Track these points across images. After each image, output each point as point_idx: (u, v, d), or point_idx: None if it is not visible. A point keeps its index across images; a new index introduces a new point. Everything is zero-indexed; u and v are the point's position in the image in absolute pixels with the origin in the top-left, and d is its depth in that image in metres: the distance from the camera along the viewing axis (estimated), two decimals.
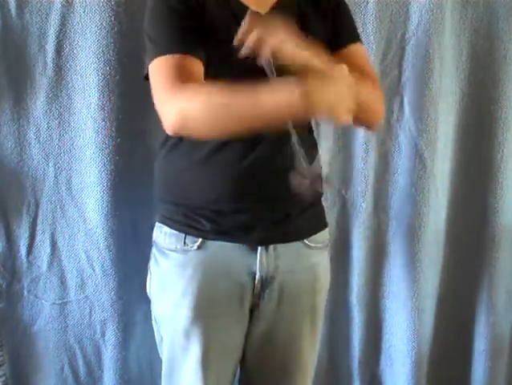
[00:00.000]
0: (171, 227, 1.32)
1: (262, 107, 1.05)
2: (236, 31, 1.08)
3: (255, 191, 1.27)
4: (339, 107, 1.02)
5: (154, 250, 1.38)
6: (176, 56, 1.15)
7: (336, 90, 1.01)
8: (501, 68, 1.71)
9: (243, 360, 1.41)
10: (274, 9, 1.29)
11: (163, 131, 1.18)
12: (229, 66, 1.15)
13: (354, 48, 1.37)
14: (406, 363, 1.84)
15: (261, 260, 1.30)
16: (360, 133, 1.71)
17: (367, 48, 1.63)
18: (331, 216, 1.72)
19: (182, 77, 1.12)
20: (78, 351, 1.73)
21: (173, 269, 1.31)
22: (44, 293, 1.68)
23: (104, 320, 1.70)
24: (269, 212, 1.29)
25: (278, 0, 1.31)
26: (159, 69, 1.16)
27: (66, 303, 1.70)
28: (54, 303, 1.69)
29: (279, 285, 1.32)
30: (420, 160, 1.72)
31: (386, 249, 1.80)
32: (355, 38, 1.39)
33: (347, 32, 1.38)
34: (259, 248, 1.29)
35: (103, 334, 1.72)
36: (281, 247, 1.32)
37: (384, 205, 1.77)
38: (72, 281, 1.68)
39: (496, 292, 1.86)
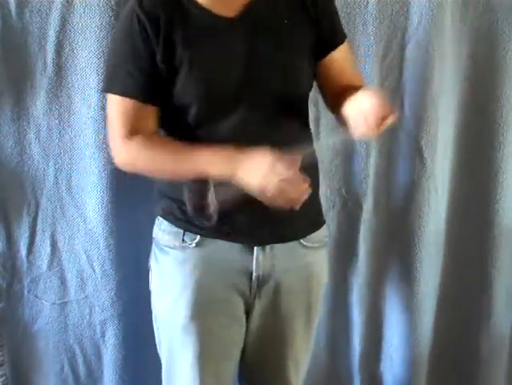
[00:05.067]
0: (171, 222, 1.33)
1: (194, 170, 1.22)
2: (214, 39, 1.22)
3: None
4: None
5: (154, 247, 1.39)
6: (128, 101, 1.25)
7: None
8: (501, 68, 1.71)
9: (242, 358, 1.42)
10: (246, 13, 1.24)
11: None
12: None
13: (342, 50, 1.37)
14: (406, 363, 1.84)
15: (257, 259, 1.31)
16: None
17: (367, 48, 1.63)
18: (331, 216, 1.73)
19: (132, 127, 1.26)
20: (78, 351, 1.73)
21: (172, 266, 1.33)
22: (44, 293, 1.68)
23: (104, 320, 1.70)
24: (267, 213, 1.27)
25: (248, 2, 1.25)
26: (114, 107, 1.28)
27: (66, 303, 1.70)
28: (54, 303, 1.69)
29: (275, 282, 1.34)
30: (420, 160, 1.71)
31: (386, 249, 1.80)
32: (343, 37, 1.38)
33: (335, 32, 1.37)
34: (255, 248, 1.30)
35: (103, 334, 1.72)
36: (277, 247, 1.33)
37: (384, 205, 1.77)
38: (72, 281, 1.68)
39: (496, 292, 1.86)
